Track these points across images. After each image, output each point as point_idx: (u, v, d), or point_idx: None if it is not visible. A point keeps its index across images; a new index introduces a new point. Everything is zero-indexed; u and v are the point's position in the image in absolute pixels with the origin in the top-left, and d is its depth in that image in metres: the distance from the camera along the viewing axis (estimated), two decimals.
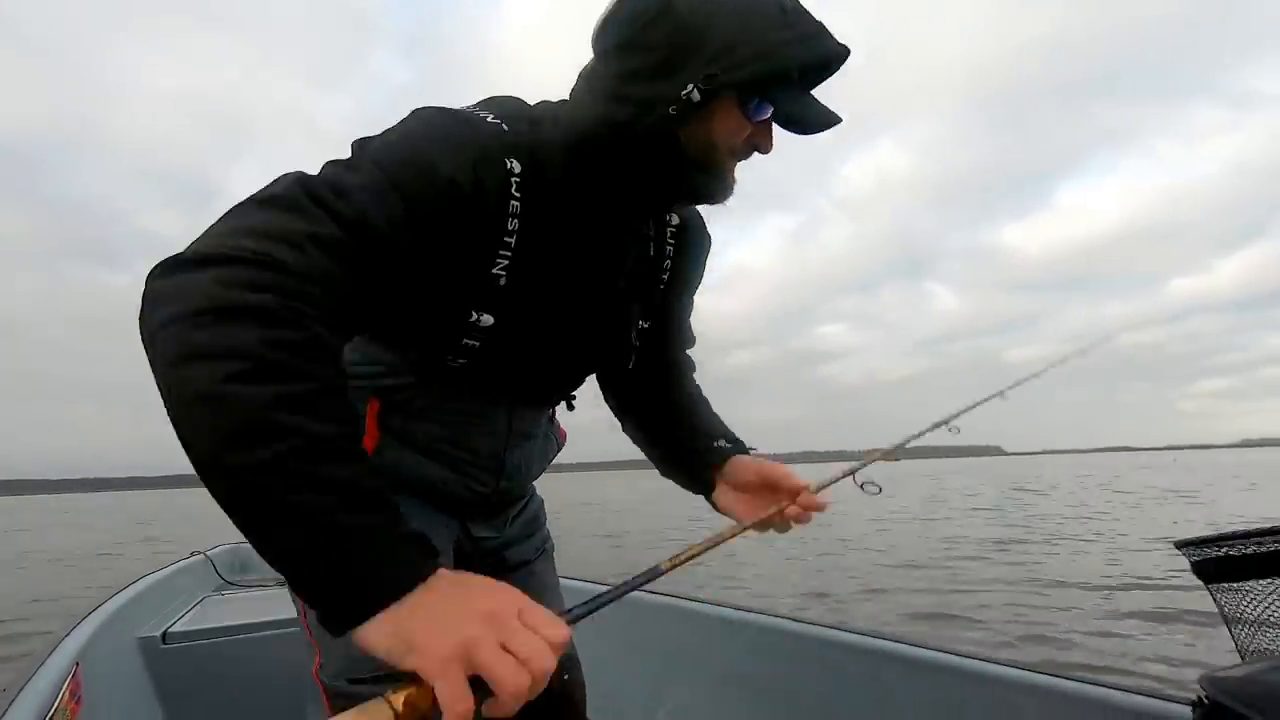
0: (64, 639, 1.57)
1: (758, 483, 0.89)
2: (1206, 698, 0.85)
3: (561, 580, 1.16)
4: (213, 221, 0.60)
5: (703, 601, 1.85)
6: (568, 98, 0.79)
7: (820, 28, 0.70)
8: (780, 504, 0.85)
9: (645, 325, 0.95)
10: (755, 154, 0.75)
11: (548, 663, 0.51)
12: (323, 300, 0.58)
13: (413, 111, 0.72)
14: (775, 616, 1.68)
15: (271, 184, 0.63)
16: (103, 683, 1.54)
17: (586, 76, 0.76)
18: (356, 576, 0.51)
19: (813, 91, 0.73)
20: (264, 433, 0.50)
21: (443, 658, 0.49)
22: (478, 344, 0.78)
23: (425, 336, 0.79)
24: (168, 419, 0.53)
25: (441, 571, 0.55)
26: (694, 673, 1.80)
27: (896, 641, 1.47)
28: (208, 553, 2.72)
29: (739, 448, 0.95)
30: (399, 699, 0.49)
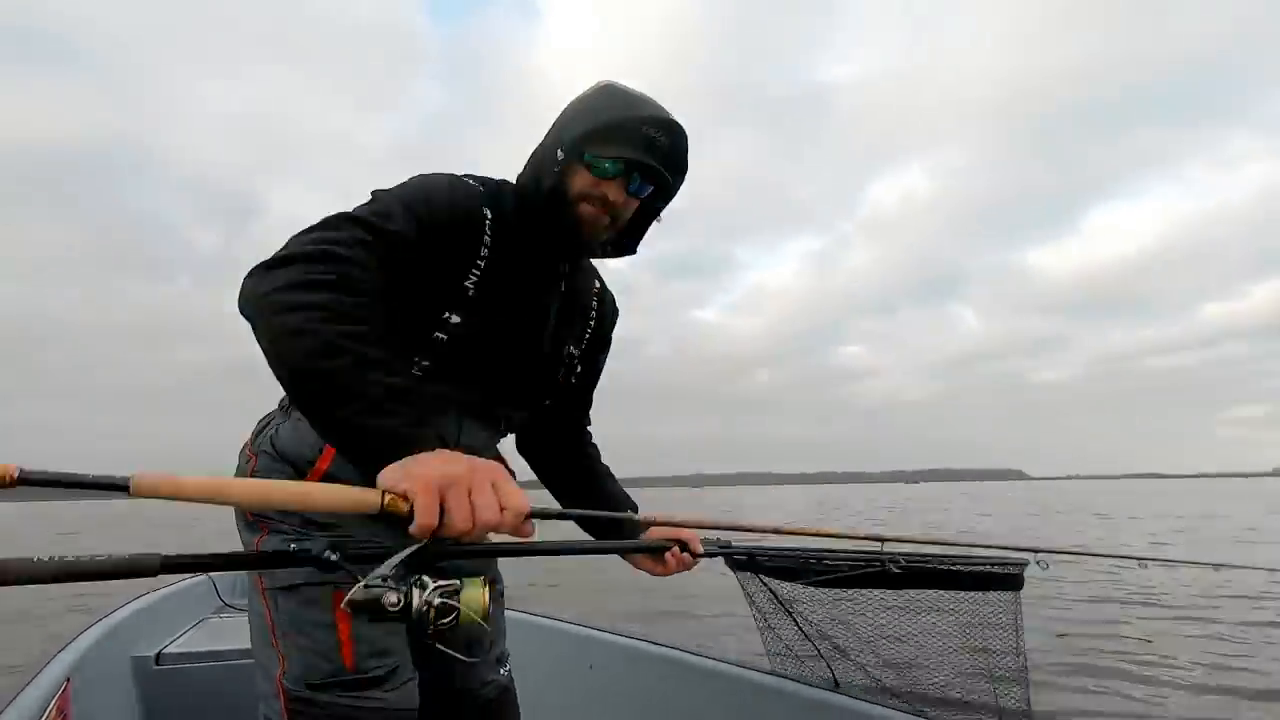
0: (58, 654, 1.56)
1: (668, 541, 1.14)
2: None
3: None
4: (271, 244, 0.91)
5: (668, 646, 1.79)
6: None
7: (649, 104, 1.00)
8: (670, 544, 1.11)
9: (578, 368, 1.19)
10: (610, 204, 1.01)
11: (493, 518, 0.69)
12: (368, 280, 0.83)
13: (416, 175, 1.00)
14: (734, 665, 1.62)
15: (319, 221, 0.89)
16: (92, 701, 1.53)
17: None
18: (389, 437, 0.72)
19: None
20: (335, 351, 0.74)
21: (425, 482, 0.67)
22: (445, 338, 0.99)
23: (404, 331, 0.97)
24: (268, 364, 0.77)
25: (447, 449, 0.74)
26: None
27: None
28: (210, 573, 2.64)
29: (638, 523, 1.17)
30: (389, 495, 0.67)
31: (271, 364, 0.77)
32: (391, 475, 0.69)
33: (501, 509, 0.69)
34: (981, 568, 1.37)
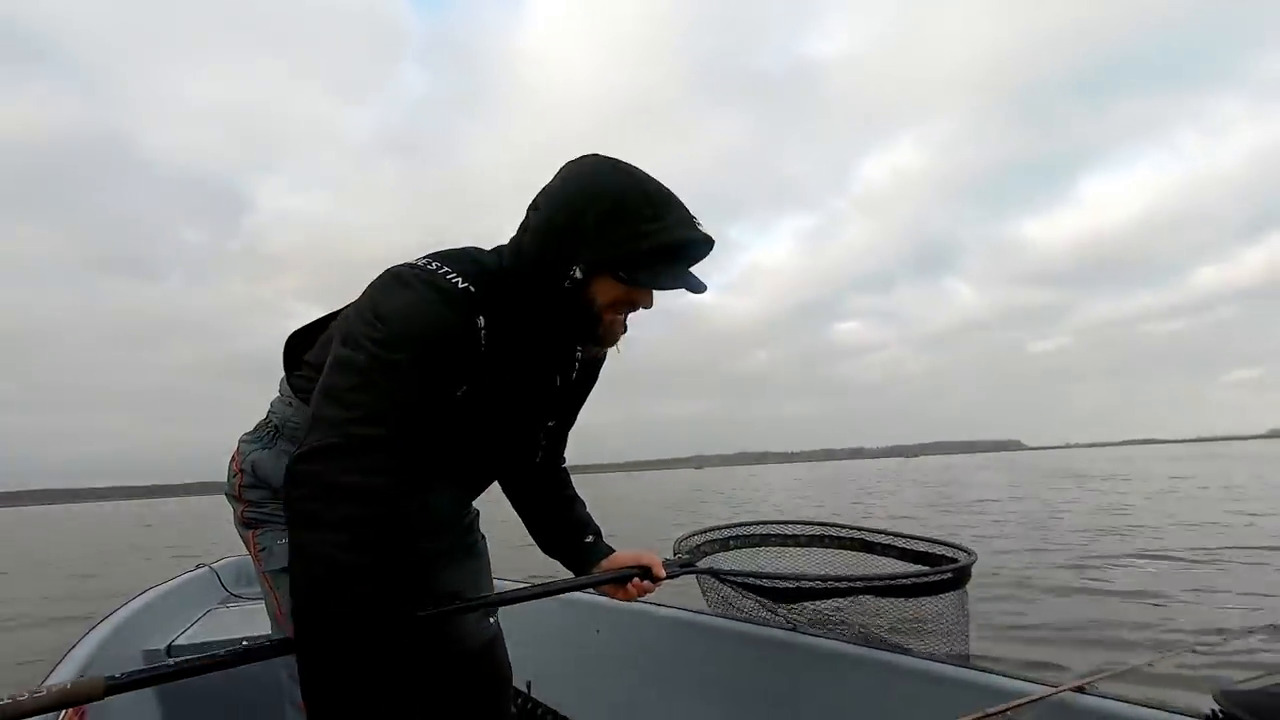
0: (72, 649, 1.58)
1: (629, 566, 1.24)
2: (1221, 711, 0.85)
3: (498, 581, 1.45)
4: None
5: (671, 607, 1.84)
6: (516, 235, 1.01)
7: (685, 218, 0.93)
8: (634, 571, 1.20)
9: (551, 425, 1.20)
10: (640, 309, 1.00)
11: None
12: (391, 464, 0.86)
13: (394, 279, 0.94)
14: (736, 620, 1.67)
15: (340, 374, 0.89)
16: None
17: (525, 230, 0.99)
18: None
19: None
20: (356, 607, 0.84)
21: None
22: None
23: None
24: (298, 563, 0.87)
25: None
26: (663, 677, 1.79)
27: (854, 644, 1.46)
28: (213, 565, 2.70)
29: (601, 543, 1.28)
30: None
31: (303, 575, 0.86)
32: None
33: None
34: (930, 578, 1.43)
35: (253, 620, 2.22)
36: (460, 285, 0.94)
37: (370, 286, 0.97)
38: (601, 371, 1.26)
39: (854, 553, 1.60)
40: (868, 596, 1.44)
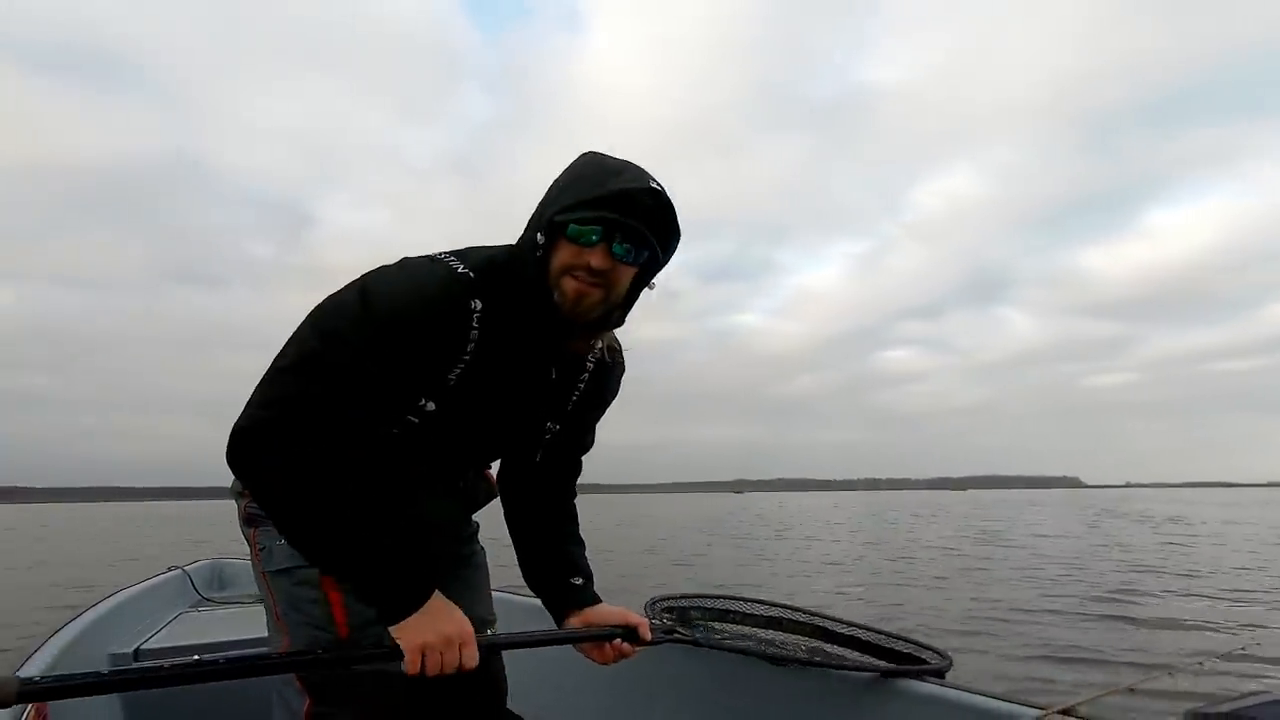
0: (34, 652, 1.52)
1: (615, 622, 1.18)
2: None
3: (497, 593, 1.44)
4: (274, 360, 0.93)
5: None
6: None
7: (630, 168, 0.95)
8: (619, 630, 1.15)
9: (555, 428, 1.17)
10: (592, 271, 0.94)
11: (451, 670, 0.94)
12: (342, 419, 0.90)
13: (402, 261, 0.99)
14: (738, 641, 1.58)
15: (289, 347, 0.93)
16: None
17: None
18: (395, 602, 0.94)
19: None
20: (345, 523, 0.91)
21: (410, 645, 0.93)
22: (416, 421, 1.01)
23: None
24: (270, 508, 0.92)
25: (434, 596, 0.96)
26: (642, 690, 1.73)
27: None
28: (186, 568, 2.63)
29: (590, 590, 1.22)
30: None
31: (279, 518, 0.93)
32: (392, 633, 0.94)
33: (460, 665, 0.95)
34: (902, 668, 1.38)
35: (224, 625, 2.14)
36: (459, 269, 0.97)
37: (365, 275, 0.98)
38: (623, 387, 1.24)
39: (809, 639, 1.51)
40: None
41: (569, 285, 0.95)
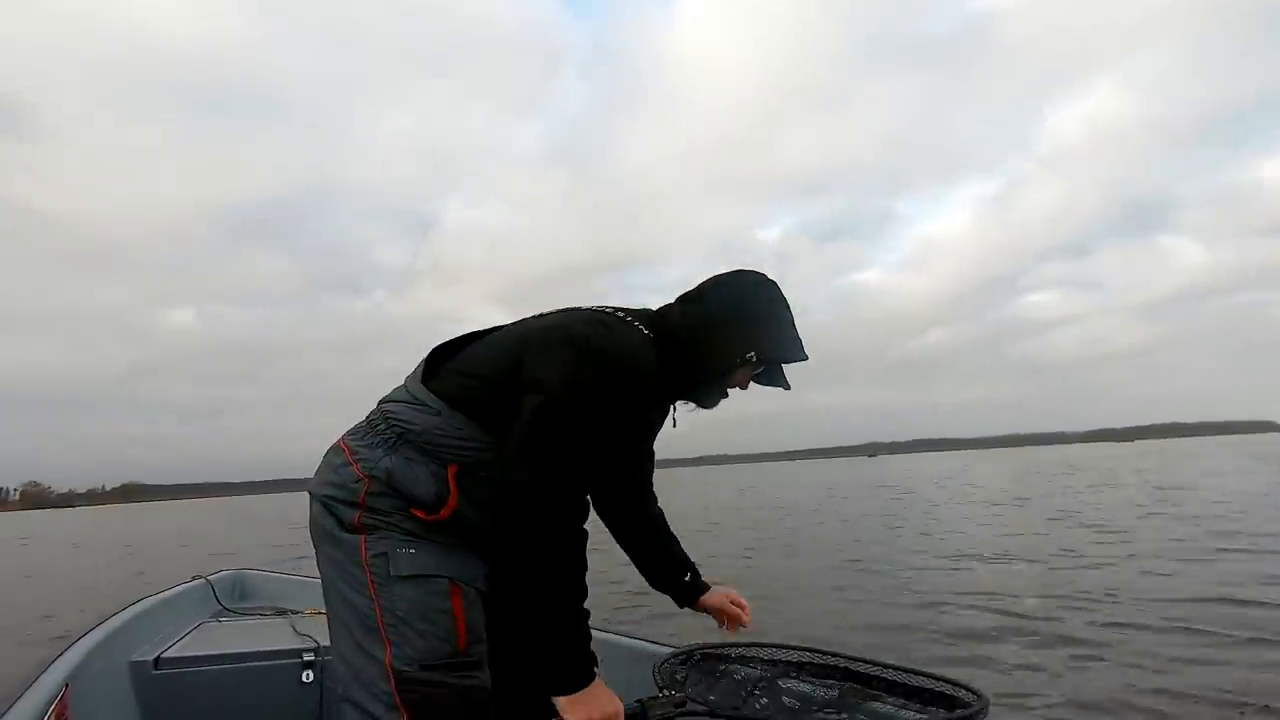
0: (55, 660, 1.54)
1: (725, 603, 1.49)
2: None
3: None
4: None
5: (665, 645, 1.69)
6: (678, 304, 1.23)
7: (798, 336, 1.20)
8: (738, 611, 1.48)
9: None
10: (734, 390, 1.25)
11: None
12: (590, 489, 1.19)
13: (596, 320, 1.12)
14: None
15: (539, 432, 1.03)
16: (92, 706, 1.50)
17: (686, 303, 1.21)
18: (574, 675, 1.04)
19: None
20: (565, 609, 1.05)
21: (575, 718, 1.02)
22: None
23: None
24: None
25: (596, 680, 1.05)
26: None
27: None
28: (209, 577, 2.63)
29: (699, 579, 1.49)
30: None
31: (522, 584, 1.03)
32: (559, 703, 1.02)
33: None
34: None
35: (245, 636, 2.14)
36: (647, 333, 1.15)
37: (565, 323, 1.11)
38: None
39: (839, 682, 1.40)
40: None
41: (729, 389, 1.23)
